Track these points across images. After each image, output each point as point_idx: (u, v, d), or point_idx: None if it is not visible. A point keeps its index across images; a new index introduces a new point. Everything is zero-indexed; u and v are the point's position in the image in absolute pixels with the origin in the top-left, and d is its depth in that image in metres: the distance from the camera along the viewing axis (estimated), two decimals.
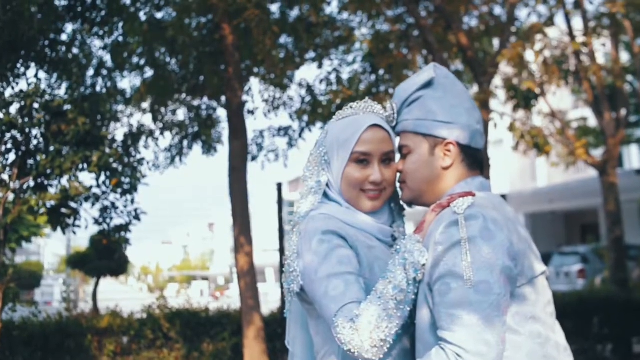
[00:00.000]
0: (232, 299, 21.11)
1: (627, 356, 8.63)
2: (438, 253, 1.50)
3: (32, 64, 6.98)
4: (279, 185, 8.59)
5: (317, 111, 8.77)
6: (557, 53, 10.16)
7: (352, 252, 1.63)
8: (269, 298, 25.93)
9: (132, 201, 7.53)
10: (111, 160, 7.08)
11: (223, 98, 8.49)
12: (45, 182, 6.91)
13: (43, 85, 7.09)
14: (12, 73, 6.75)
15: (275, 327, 7.90)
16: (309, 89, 9.19)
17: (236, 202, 7.71)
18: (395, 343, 1.56)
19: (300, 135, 9.37)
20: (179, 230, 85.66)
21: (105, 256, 18.55)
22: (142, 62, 8.54)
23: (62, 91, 7.37)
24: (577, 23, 10.69)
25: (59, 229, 7.14)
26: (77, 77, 7.41)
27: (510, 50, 7.64)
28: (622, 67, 10.80)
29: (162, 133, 9.19)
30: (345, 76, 9.25)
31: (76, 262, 20.74)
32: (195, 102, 9.26)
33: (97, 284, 19.87)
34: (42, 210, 6.80)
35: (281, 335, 7.23)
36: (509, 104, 10.04)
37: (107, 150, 7.18)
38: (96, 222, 7.44)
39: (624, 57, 12.83)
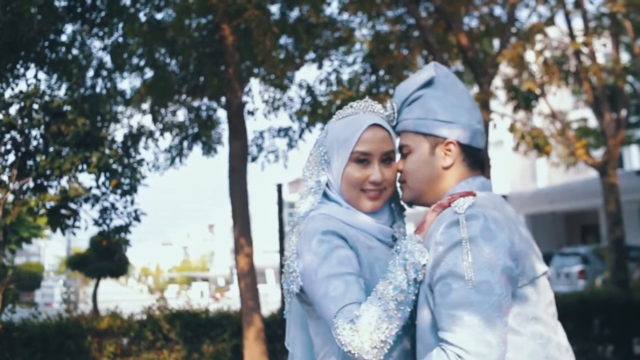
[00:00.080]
0: (232, 300, 21.12)
1: (628, 357, 8.62)
2: (439, 253, 1.49)
3: (32, 65, 6.97)
4: (279, 186, 8.59)
5: (317, 112, 8.76)
6: (557, 53, 10.15)
7: (352, 252, 1.62)
8: (269, 299, 25.95)
9: (132, 202, 7.52)
10: (111, 161, 7.07)
11: (223, 99, 8.48)
12: (45, 183, 6.90)
13: (43, 86, 7.10)
14: (11, 74, 6.75)
15: (275, 328, 7.89)
16: (309, 90, 9.18)
17: (236, 203, 7.70)
18: (396, 344, 1.55)
19: (300, 136, 9.36)
20: (179, 231, 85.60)
21: (105, 257, 18.56)
22: (142, 62, 8.54)
23: (61, 92, 7.37)
24: (578, 23, 10.67)
25: (58, 230, 7.13)
26: (77, 78, 7.40)
27: (510, 50, 7.64)
28: (622, 68, 10.79)
29: (162, 134, 9.18)
30: (345, 77, 9.25)
31: (76, 263, 20.76)
32: (195, 103, 9.25)
33: (97, 285, 19.88)
34: (42, 211, 6.79)
35: (281, 336, 7.19)
36: (509, 105, 10.05)
37: (107, 151, 7.16)
38: (96, 223, 7.43)
39: (625, 57, 12.81)
